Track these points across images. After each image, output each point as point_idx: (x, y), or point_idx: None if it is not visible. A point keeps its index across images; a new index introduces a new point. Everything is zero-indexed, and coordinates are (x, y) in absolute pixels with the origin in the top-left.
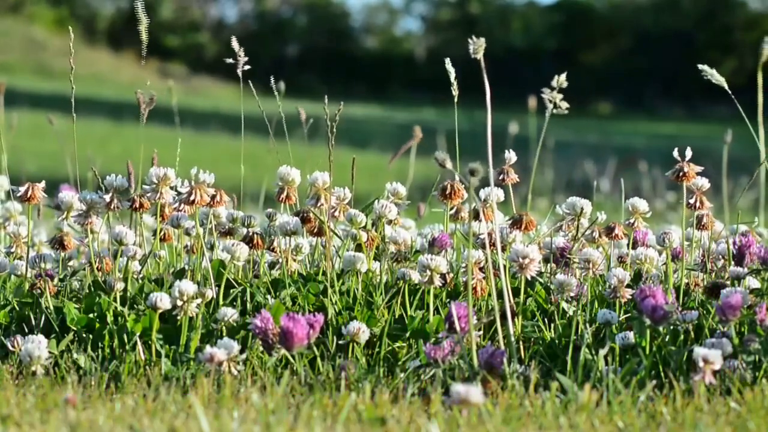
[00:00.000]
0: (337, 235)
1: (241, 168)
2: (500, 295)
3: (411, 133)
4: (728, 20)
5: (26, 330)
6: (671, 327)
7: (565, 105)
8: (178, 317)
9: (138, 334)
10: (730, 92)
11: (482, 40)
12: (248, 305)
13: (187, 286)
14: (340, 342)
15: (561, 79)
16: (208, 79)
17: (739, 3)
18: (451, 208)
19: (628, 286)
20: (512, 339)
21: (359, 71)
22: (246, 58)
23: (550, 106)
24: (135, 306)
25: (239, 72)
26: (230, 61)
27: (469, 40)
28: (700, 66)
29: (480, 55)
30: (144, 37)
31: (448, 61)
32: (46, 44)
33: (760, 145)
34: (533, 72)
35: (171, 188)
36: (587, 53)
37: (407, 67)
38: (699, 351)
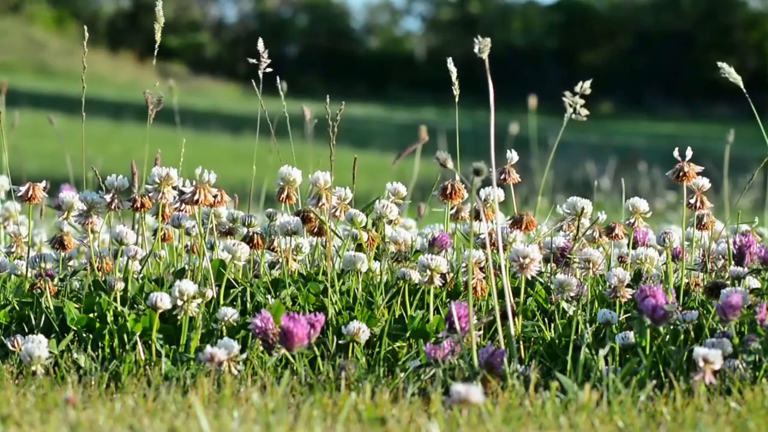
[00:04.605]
0: (337, 234)
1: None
2: (500, 295)
3: (411, 132)
4: (728, 20)
5: (26, 330)
6: (671, 327)
7: (585, 112)
8: (179, 317)
9: (138, 333)
10: (744, 91)
11: (488, 39)
12: (248, 305)
13: (188, 285)
14: (340, 342)
15: (585, 85)
16: (208, 79)
17: (739, 3)
18: (452, 208)
19: (628, 285)
20: (512, 339)
21: (359, 71)
22: (269, 61)
23: (570, 110)
24: (135, 306)
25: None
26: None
27: (475, 40)
28: (719, 63)
29: (485, 55)
30: (158, 36)
31: (450, 60)
32: (46, 44)
33: None
34: (533, 72)
35: (173, 188)
36: (587, 53)
37: (407, 67)
38: (699, 351)
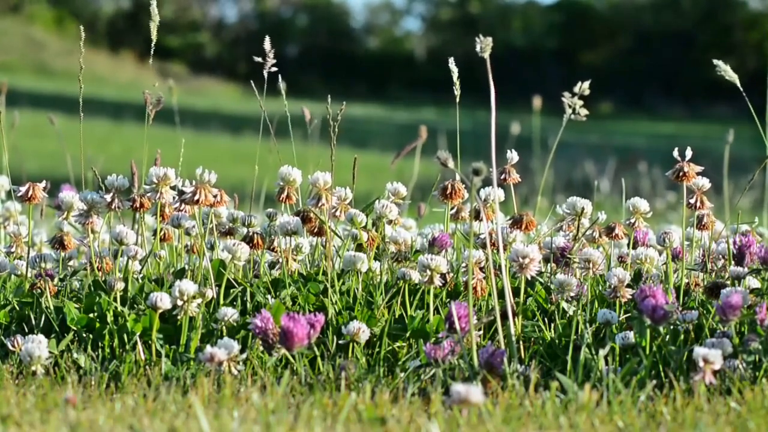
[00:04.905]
0: (337, 234)
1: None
2: (500, 295)
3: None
4: (728, 20)
5: (26, 330)
6: (671, 327)
7: (584, 112)
8: (179, 317)
9: (138, 333)
10: (741, 89)
11: (490, 38)
12: (248, 305)
13: (188, 285)
14: (340, 342)
15: (584, 86)
16: (208, 79)
17: (739, 3)
18: (452, 208)
19: (628, 285)
20: (512, 339)
21: (359, 71)
22: (274, 60)
23: (569, 111)
24: (135, 306)
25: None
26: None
27: (477, 39)
28: (714, 61)
29: (487, 54)
30: (154, 35)
31: (451, 60)
32: (46, 44)
33: None
34: (533, 72)
35: (172, 188)
36: (587, 53)
37: (407, 67)
38: (699, 351)
